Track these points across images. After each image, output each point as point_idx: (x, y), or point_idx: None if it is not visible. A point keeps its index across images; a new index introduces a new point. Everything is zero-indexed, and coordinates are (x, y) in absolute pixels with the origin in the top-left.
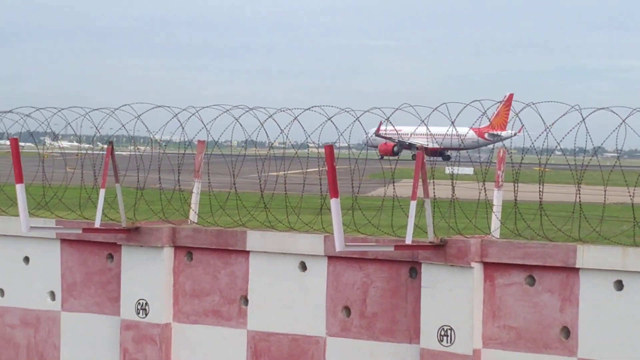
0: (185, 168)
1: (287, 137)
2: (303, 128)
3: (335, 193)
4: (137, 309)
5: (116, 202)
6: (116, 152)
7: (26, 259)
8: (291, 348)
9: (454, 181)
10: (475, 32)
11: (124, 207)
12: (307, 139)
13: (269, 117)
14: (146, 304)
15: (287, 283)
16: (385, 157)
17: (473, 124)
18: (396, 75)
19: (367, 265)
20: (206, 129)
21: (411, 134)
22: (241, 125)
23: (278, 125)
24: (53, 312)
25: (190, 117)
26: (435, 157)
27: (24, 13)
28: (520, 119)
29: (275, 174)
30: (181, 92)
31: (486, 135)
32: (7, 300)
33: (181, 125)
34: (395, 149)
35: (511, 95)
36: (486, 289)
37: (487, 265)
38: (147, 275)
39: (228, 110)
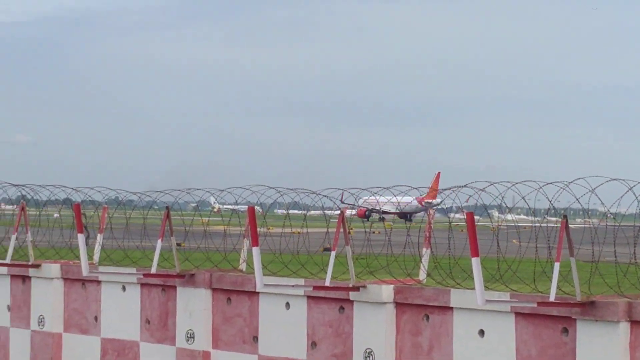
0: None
1: None
2: None
3: None
4: None
5: (570, 275)
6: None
7: (481, 332)
8: None
9: None
10: None
11: (579, 281)
12: None
13: None
14: None
15: None
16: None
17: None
18: None
19: None
20: None
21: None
22: None
23: None
24: None
25: None
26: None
27: (470, 87)
28: None
29: None
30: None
31: (423, 203)
32: None
33: (637, 198)
34: (367, 213)
35: (438, 174)
36: None
37: None
38: (603, 351)
39: None
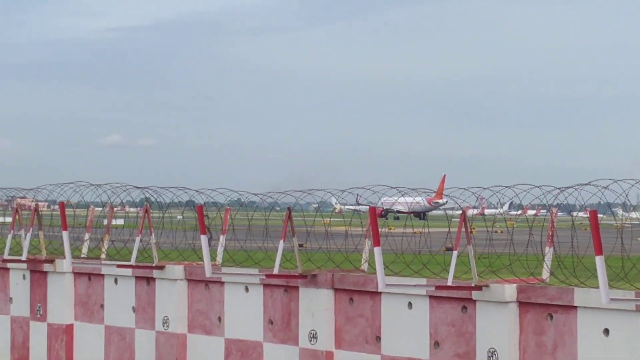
0: None
1: None
2: None
3: None
4: None
5: None
6: None
7: (606, 331)
8: None
9: None
10: None
11: None
12: None
13: None
14: None
15: None
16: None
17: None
18: None
19: None
20: None
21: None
22: None
23: None
24: None
25: None
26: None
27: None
28: None
29: None
30: None
31: (431, 203)
32: None
33: None
34: (383, 212)
35: (444, 176)
36: None
37: None
38: None
39: None
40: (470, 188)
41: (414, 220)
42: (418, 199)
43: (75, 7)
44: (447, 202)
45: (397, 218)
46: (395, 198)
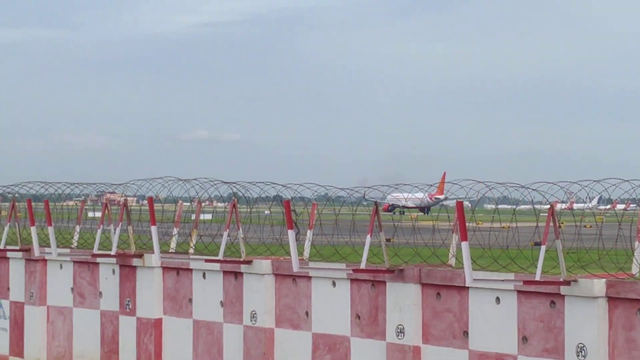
0: None
1: None
2: None
3: None
4: None
5: None
6: None
7: None
8: None
9: None
10: None
11: None
12: None
13: None
14: None
15: None
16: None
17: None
18: None
19: None
20: None
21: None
22: None
23: None
24: None
25: None
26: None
27: None
28: None
29: None
30: None
31: (432, 199)
32: None
33: None
34: (390, 208)
35: (444, 173)
36: None
37: None
38: None
39: None
40: (559, 182)
41: (419, 214)
42: (420, 194)
43: (171, 2)
44: (446, 198)
45: (402, 213)
46: (401, 194)
